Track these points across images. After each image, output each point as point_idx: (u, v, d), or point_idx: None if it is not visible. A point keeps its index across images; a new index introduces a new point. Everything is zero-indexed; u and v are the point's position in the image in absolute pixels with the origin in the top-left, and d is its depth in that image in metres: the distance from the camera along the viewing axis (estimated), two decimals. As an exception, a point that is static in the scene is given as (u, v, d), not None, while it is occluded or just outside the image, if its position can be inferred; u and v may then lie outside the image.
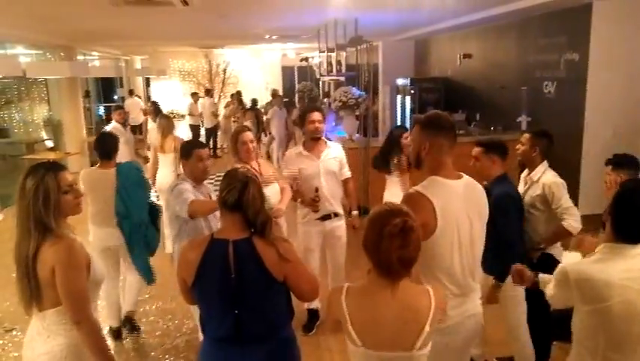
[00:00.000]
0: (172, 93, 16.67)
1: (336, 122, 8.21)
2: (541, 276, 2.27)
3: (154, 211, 3.99)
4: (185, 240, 2.99)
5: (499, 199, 2.79)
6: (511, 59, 8.08)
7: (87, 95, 13.52)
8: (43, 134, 12.29)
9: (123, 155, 5.68)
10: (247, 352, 2.02)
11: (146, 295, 4.74)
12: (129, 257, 3.91)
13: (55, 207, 2.01)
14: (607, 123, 5.83)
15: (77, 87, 11.43)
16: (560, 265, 1.99)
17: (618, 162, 3.01)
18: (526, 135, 3.25)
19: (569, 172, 5.77)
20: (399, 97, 10.68)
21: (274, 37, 11.65)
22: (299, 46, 14.53)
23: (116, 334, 4.03)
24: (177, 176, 4.84)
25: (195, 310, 2.35)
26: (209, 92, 13.26)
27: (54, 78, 10.62)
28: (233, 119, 12.08)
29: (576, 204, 3.16)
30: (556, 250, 3.14)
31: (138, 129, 11.53)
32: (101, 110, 16.34)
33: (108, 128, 6.84)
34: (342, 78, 8.53)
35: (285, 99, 11.89)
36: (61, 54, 10.74)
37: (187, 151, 3.23)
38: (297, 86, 13.87)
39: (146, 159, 7.21)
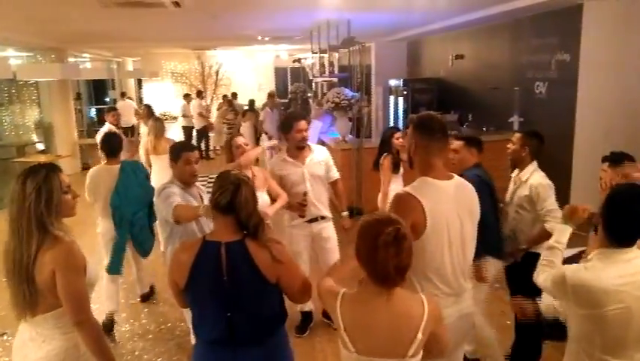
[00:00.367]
0: (164, 95, 16.60)
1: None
2: (542, 303, 2.28)
3: (152, 213, 4.01)
4: (177, 242, 2.98)
5: (469, 179, 2.84)
6: (503, 60, 8.13)
7: (78, 97, 13.45)
8: (34, 137, 12.18)
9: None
10: (240, 354, 2.02)
11: (138, 299, 4.73)
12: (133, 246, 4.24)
13: (57, 208, 2.00)
14: (598, 123, 5.87)
15: (68, 89, 11.39)
16: (558, 270, 2.00)
17: (616, 159, 3.03)
18: (517, 135, 3.27)
19: (561, 172, 5.81)
20: (392, 98, 10.71)
21: (267, 38, 11.64)
22: (292, 47, 14.53)
23: (110, 326, 4.17)
24: None
25: (188, 313, 2.34)
26: (200, 94, 13.25)
27: (45, 81, 10.55)
28: (223, 120, 12.07)
29: (568, 204, 3.17)
30: (543, 249, 3.15)
31: (130, 131, 11.48)
32: (93, 113, 16.25)
33: (102, 130, 6.84)
34: (335, 79, 8.54)
35: (283, 100, 11.84)
36: (52, 56, 10.70)
37: (175, 153, 3.21)
38: (289, 88, 13.85)
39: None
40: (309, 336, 4.00)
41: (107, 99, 16.05)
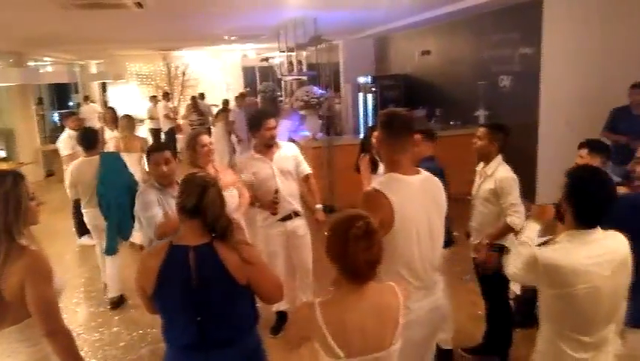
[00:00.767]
0: (130, 98, 16.27)
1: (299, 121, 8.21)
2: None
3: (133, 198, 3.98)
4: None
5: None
6: (467, 55, 8.25)
7: (40, 102, 13.05)
8: (-5, 145, 11.77)
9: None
10: (212, 357, 1.99)
11: (108, 307, 4.64)
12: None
13: (25, 216, 1.96)
14: (560, 115, 6.01)
15: (29, 94, 11.09)
16: (529, 250, 2.05)
17: (595, 146, 3.15)
18: (482, 130, 3.26)
19: (526, 163, 5.93)
20: (361, 95, 10.74)
21: (233, 37, 11.53)
22: (259, 46, 14.43)
23: (117, 303, 4.63)
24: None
25: (159, 318, 2.29)
26: (166, 96, 13.04)
27: (4, 86, 10.25)
28: (188, 122, 11.90)
29: (534, 195, 3.24)
30: (509, 242, 3.15)
31: (95, 136, 11.18)
32: (56, 118, 15.79)
33: (62, 137, 6.46)
34: (304, 77, 8.54)
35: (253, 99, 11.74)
36: (11, 61, 10.40)
37: (147, 156, 3.22)
38: (258, 87, 13.75)
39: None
40: (283, 336, 3.97)
41: (71, 103, 15.61)
